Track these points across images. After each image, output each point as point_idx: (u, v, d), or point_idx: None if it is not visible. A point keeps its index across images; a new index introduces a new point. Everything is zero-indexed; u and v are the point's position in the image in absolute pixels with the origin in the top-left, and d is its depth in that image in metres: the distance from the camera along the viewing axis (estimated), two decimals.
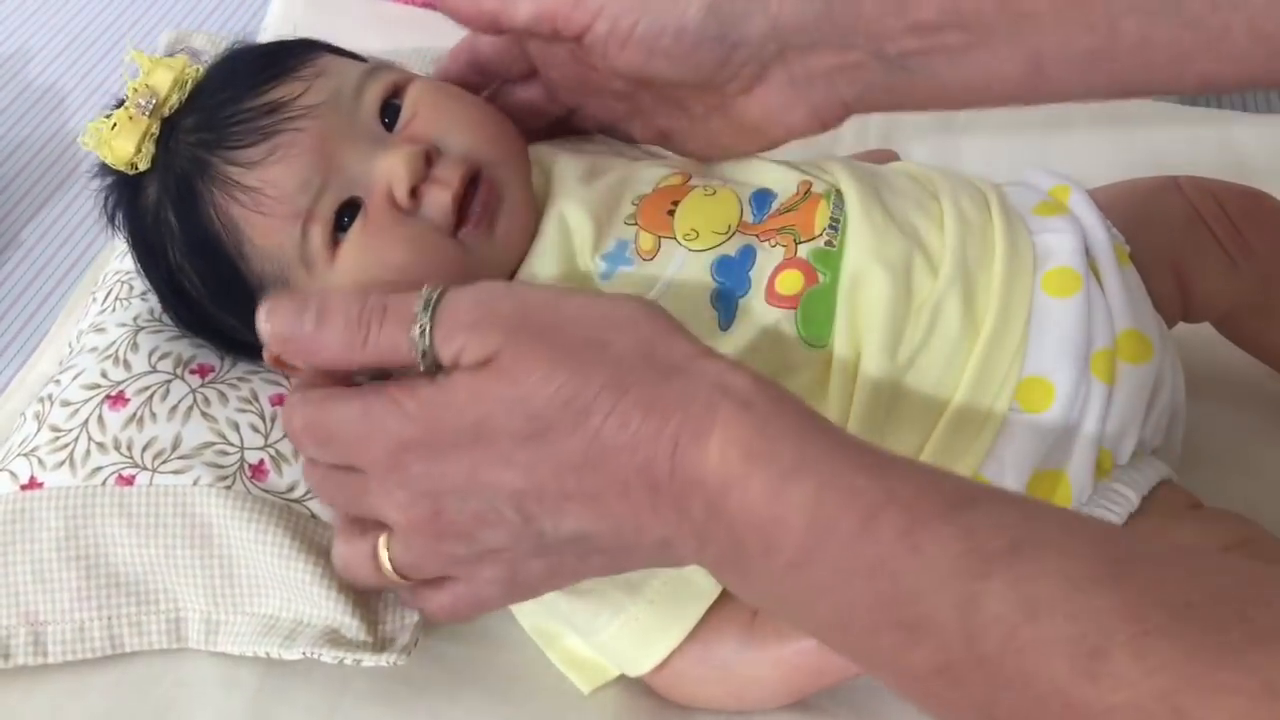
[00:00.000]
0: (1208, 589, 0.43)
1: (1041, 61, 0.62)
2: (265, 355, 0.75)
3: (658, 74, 0.66)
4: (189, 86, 0.70)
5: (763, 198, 0.71)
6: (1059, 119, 1.05)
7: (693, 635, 0.67)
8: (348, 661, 0.68)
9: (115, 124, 0.69)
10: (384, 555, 0.58)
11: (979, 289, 0.67)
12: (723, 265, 0.68)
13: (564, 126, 0.77)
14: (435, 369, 0.54)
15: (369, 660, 0.68)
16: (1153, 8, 0.59)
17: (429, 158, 0.67)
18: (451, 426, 0.53)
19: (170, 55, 0.72)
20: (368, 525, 0.59)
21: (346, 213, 0.68)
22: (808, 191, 0.71)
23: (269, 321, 0.56)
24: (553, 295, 0.56)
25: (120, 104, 0.71)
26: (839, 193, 0.70)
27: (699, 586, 0.67)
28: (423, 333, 0.53)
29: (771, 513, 0.48)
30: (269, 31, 1.13)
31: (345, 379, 0.58)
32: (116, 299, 0.81)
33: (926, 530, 0.46)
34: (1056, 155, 0.97)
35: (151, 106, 0.69)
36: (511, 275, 0.70)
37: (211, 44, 1.03)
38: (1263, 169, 0.98)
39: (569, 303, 0.55)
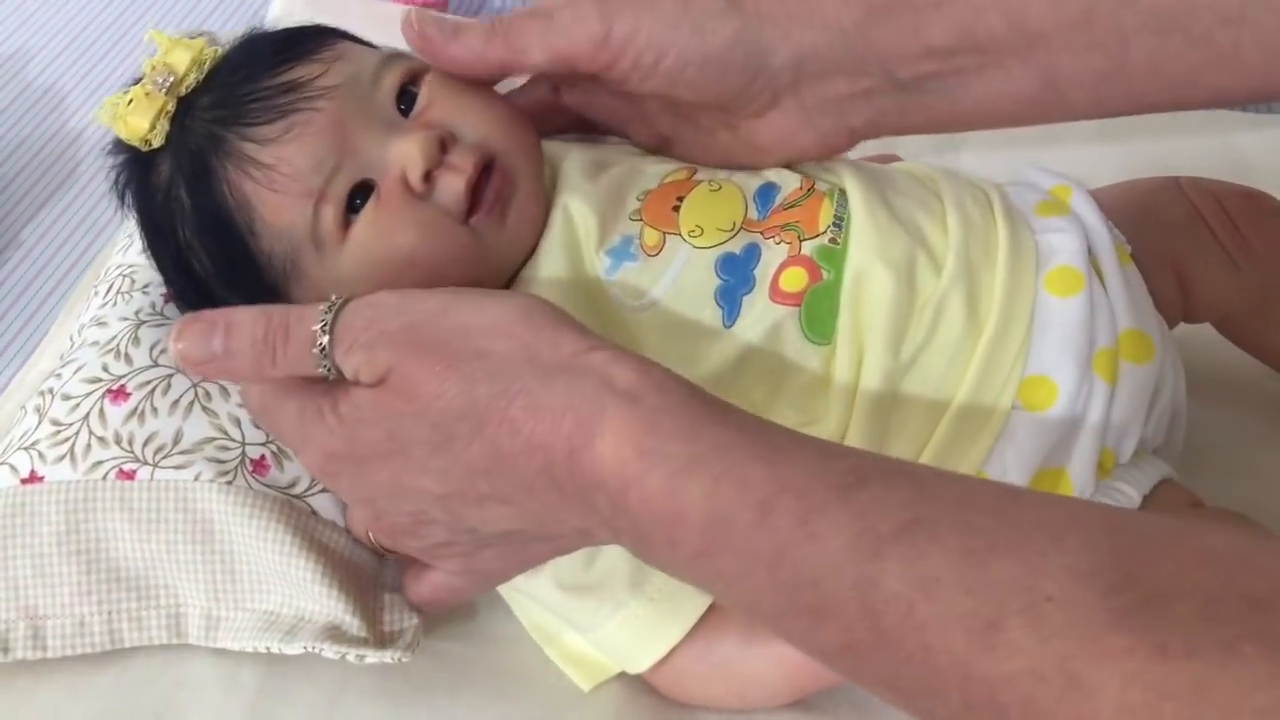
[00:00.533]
0: (1101, 551, 0.44)
1: (1054, 80, 0.63)
2: None
3: (678, 97, 0.68)
4: (207, 67, 0.70)
5: (767, 192, 0.71)
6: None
7: (693, 633, 0.67)
8: (350, 657, 0.68)
9: (131, 100, 0.69)
10: (366, 532, 0.67)
11: (982, 288, 0.67)
12: (727, 262, 0.68)
13: (566, 124, 0.77)
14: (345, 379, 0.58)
15: (371, 656, 0.68)
16: (1162, 26, 0.60)
17: (444, 144, 0.67)
18: (368, 439, 0.56)
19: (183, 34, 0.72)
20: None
21: (359, 194, 0.68)
22: (811, 188, 0.71)
23: (179, 343, 0.59)
24: (440, 304, 0.57)
25: (137, 81, 0.71)
26: (842, 191, 0.71)
27: None
28: (323, 352, 0.57)
29: (670, 508, 0.49)
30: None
31: None
32: (118, 293, 0.81)
33: (822, 517, 0.47)
34: (1057, 157, 0.96)
35: (169, 84, 0.69)
36: (519, 268, 0.70)
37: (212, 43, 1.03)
38: (1263, 170, 0.98)
39: (456, 311, 0.57)
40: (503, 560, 0.62)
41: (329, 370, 0.57)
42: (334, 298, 0.58)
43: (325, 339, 0.57)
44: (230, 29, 1.27)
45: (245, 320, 0.58)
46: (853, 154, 1.01)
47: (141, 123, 0.69)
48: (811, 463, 0.49)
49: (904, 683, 0.46)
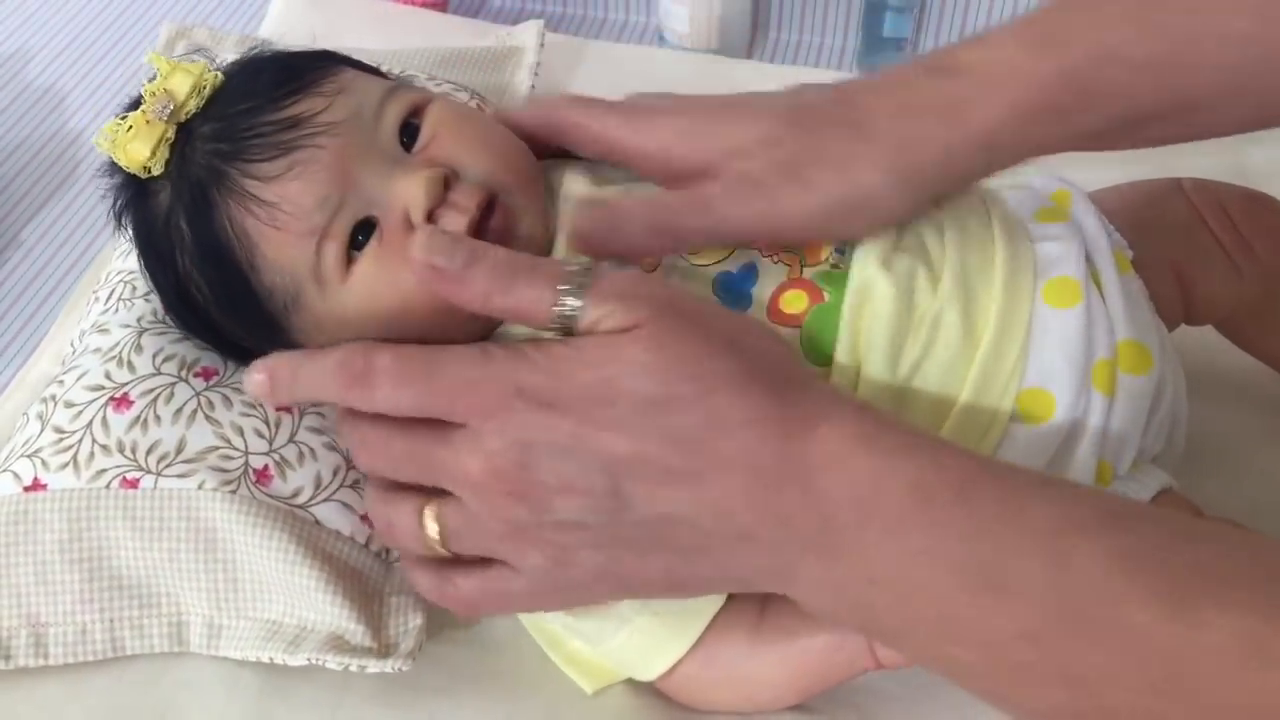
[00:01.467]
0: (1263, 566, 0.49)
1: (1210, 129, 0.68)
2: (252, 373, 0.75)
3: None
4: (207, 92, 0.70)
5: None
6: None
7: (699, 640, 0.68)
8: (352, 668, 0.68)
9: (131, 127, 0.69)
10: (430, 517, 0.59)
11: (979, 300, 0.67)
12: (725, 281, 0.68)
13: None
14: (563, 334, 0.56)
15: (373, 666, 0.68)
16: None
17: (447, 181, 0.67)
18: (577, 380, 0.54)
19: (178, 54, 0.72)
20: (408, 489, 0.60)
21: (361, 232, 0.68)
22: None
23: (428, 245, 0.59)
24: (694, 295, 0.60)
25: (135, 104, 0.70)
26: None
27: (705, 597, 0.68)
28: (578, 289, 0.56)
29: (873, 484, 0.51)
30: (268, 30, 1.13)
31: None
32: (120, 299, 0.81)
33: (1021, 497, 0.50)
34: (1056, 158, 0.96)
35: (169, 111, 0.69)
36: None
37: (213, 39, 1.03)
38: (1265, 171, 0.98)
39: (711, 305, 0.60)
40: (598, 571, 0.58)
41: (563, 316, 0.56)
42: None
43: (586, 278, 0.56)
44: (231, 28, 1.28)
45: (491, 247, 0.59)
46: None
47: (142, 150, 0.68)
48: (1008, 465, 0.55)
49: (1081, 666, 0.48)
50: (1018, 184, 0.77)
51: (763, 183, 0.63)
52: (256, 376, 0.61)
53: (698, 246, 0.66)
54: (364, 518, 0.73)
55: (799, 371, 0.57)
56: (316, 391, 0.60)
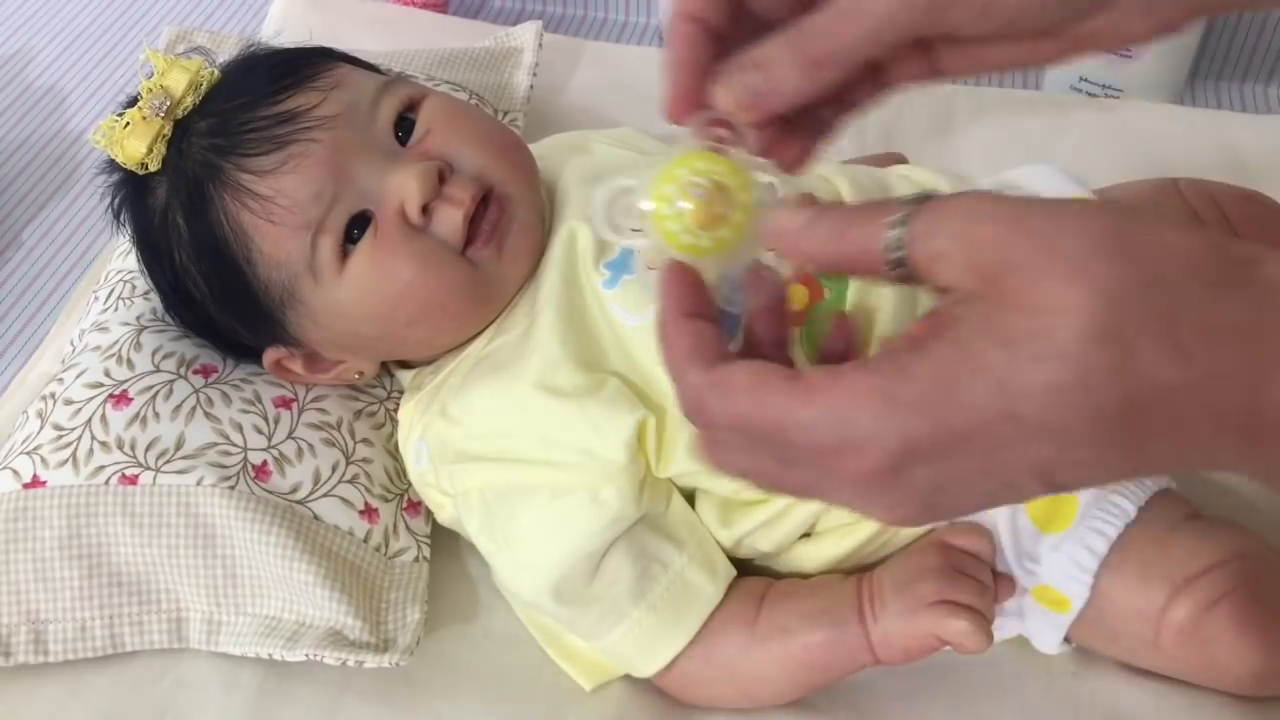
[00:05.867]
0: None
1: None
2: (265, 360, 0.75)
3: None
4: (204, 89, 0.70)
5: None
6: (1059, 119, 1.06)
7: (696, 637, 0.68)
8: (350, 663, 0.68)
9: (128, 123, 0.69)
10: None
11: None
12: (727, 275, 0.68)
13: None
14: (906, 279, 0.45)
15: (371, 661, 0.69)
16: None
17: (441, 175, 0.67)
18: (964, 402, 0.41)
19: (178, 54, 0.72)
20: None
21: (356, 225, 0.68)
22: (812, 202, 0.70)
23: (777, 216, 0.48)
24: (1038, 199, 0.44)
25: (133, 102, 0.70)
26: (842, 204, 0.70)
27: (702, 592, 0.68)
28: (905, 219, 0.44)
29: None
30: (269, 31, 1.13)
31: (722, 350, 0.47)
32: (119, 298, 0.81)
33: None
34: (1056, 155, 0.97)
35: (165, 108, 0.69)
36: (518, 290, 0.70)
37: (213, 42, 1.03)
38: (1262, 170, 0.98)
39: (1068, 202, 0.43)
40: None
41: (888, 243, 0.44)
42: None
43: (910, 209, 0.44)
44: (231, 28, 1.28)
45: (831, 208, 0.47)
46: (851, 153, 1.01)
47: (139, 147, 0.69)
48: None
49: None
50: (1020, 184, 0.78)
51: None
52: None
53: (857, 61, 0.48)
54: (363, 513, 0.73)
55: (1234, 251, 0.41)
56: None
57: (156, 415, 0.73)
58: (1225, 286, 0.40)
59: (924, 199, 0.44)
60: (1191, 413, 0.40)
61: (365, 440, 0.76)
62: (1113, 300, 0.40)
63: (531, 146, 0.76)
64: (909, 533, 0.70)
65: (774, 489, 0.47)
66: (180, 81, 0.69)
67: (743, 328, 0.50)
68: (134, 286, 0.81)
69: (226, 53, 0.76)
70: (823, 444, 0.43)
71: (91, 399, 0.74)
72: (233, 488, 0.71)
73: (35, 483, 0.72)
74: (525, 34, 1.09)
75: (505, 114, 1.00)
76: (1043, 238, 0.41)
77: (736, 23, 0.51)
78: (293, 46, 0.75)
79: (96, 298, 0.84)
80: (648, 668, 0.69)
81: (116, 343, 0.77)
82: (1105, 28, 0.50)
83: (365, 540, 0.73)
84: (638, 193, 0.53)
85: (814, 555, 0.70)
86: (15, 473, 0.72)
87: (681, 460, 0.67)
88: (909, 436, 0.41)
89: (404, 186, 0.66)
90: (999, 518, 0.68)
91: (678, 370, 0.46)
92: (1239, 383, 0.40)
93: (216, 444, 0.72)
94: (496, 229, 0.68)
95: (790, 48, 0.48)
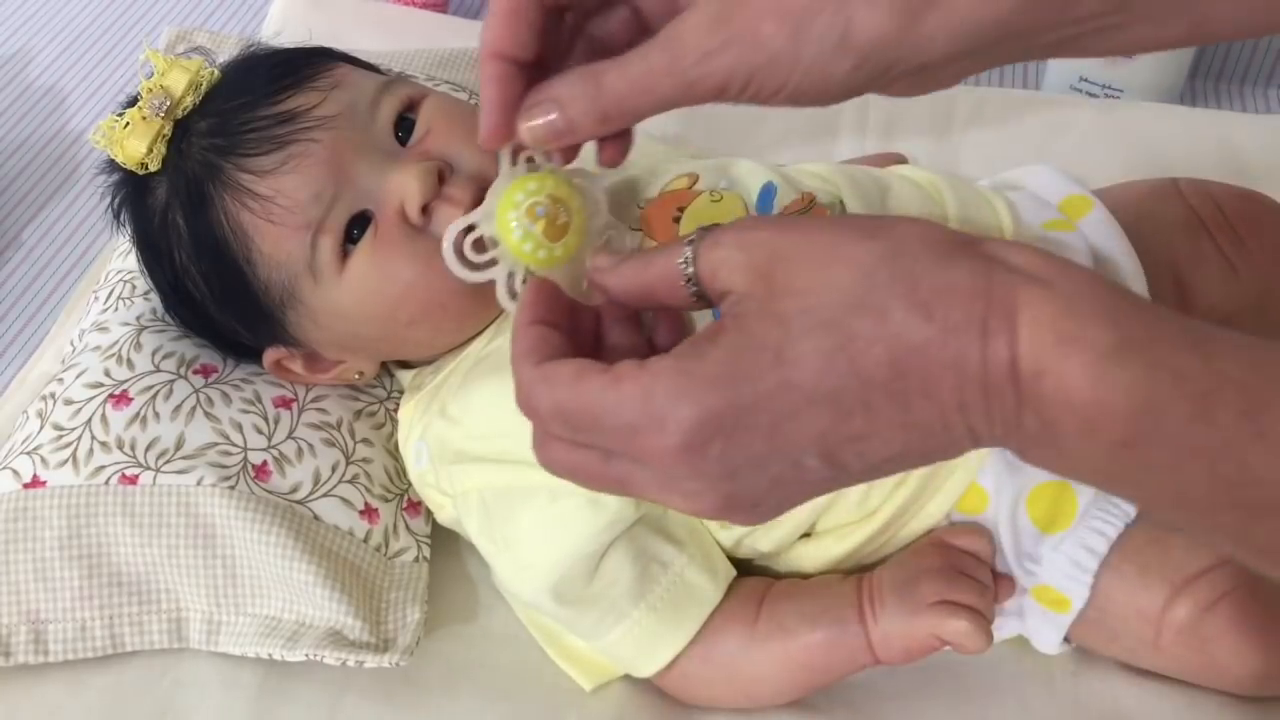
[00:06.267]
0: None
1: (1204, 23, 0.55)
2: (265, 360, 0.75)
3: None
4: (204, 89, 0.70)
5: (766, 196, 0.71)
6: (1059, 119, 1.06)
7: (696, 637, 0.68)
8: (350, 663, 0.69)
9: (128, 123, 0.69)
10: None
11: None
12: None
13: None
14: (700, 299, 0.50)
15: (371, 661, 0.69)
16: None
17: (441, 175, 0.67)
18: (752, 368, 0.46)
19: (178, 54, 0.72)
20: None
21: (356, 225, 0.68)
22: (812, 201, 0.71)
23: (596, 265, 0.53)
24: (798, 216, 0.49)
25: (133, 102, 0.71)
26: (841, 204, 0.70)
27: (702, 592, 0.68)
28: (690, 248, 0.50)
29: (1093, 396, 0.44)
30: (269, 31, 1.13)
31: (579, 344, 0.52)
32: (119, 298, 0.81)
33: (1268, 413, 0.44)
34: (1056, 155, 0.97)
35: (165, 108, 0.69)
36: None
37: (214, 42, 1.03)
38: (1262, 170, 0.98)
39: (822, 219, 0.48)
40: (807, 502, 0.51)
41: (686, 270, 0.49)
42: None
43: (690, 250, 0.49)
44: (231, 28, 1.28)
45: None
46: (851, 152, 1.01)
47: (139, 147, 0.69)
48: (1247, 355, 0.45)
49: None
50: (1023, 185, 0.78)
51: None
52: None
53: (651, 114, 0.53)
54: (363, 513, 0.73)
55: (955, 236, 0.48)
56: None
57: (156, 415, 0.73)
58: (955, 257, 0.46)
59: (710, 227, 0.50)
60: (938, 369, 0.45)
61: (365, 440, 0.76)
62: (865, 273, 0.46)
63: None
64: (909, 533, 0.70)
65: (598, 484, 0.51)
66: (180, 81, 0.69)
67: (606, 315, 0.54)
68: (134, 286, 0.81)
69: (226, 53, 0.76)
70: (629, 424, 0.47)
71: (91, 399, 0.74)
72: (233, 488, 0.71)
73: (35, 483, 0.72)
74: None
75: None
76: (803, 232, 0.48)
77: (554, 46, 0.55)
78: (293, 46, 0.75)
79: (96, 298, 0.84)
80: (647, 668, 0.69)
81: (116, 343, 0.77)
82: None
83: (365, 540, 0.73)
84: (483, 227, 0.58)
85: (814, 555, 0.71)
86: (15, 473, 0.72)
87: None
88: (703, 409, 0.46)
89: (404, 186, 0.66)
90: (1000, 518, 0.68)
91: (515, 366, 0.50)
92: (971, 335, 0.45)
93: (216, 444, 0.73)
94: None
95: (586, 95, 0.51)
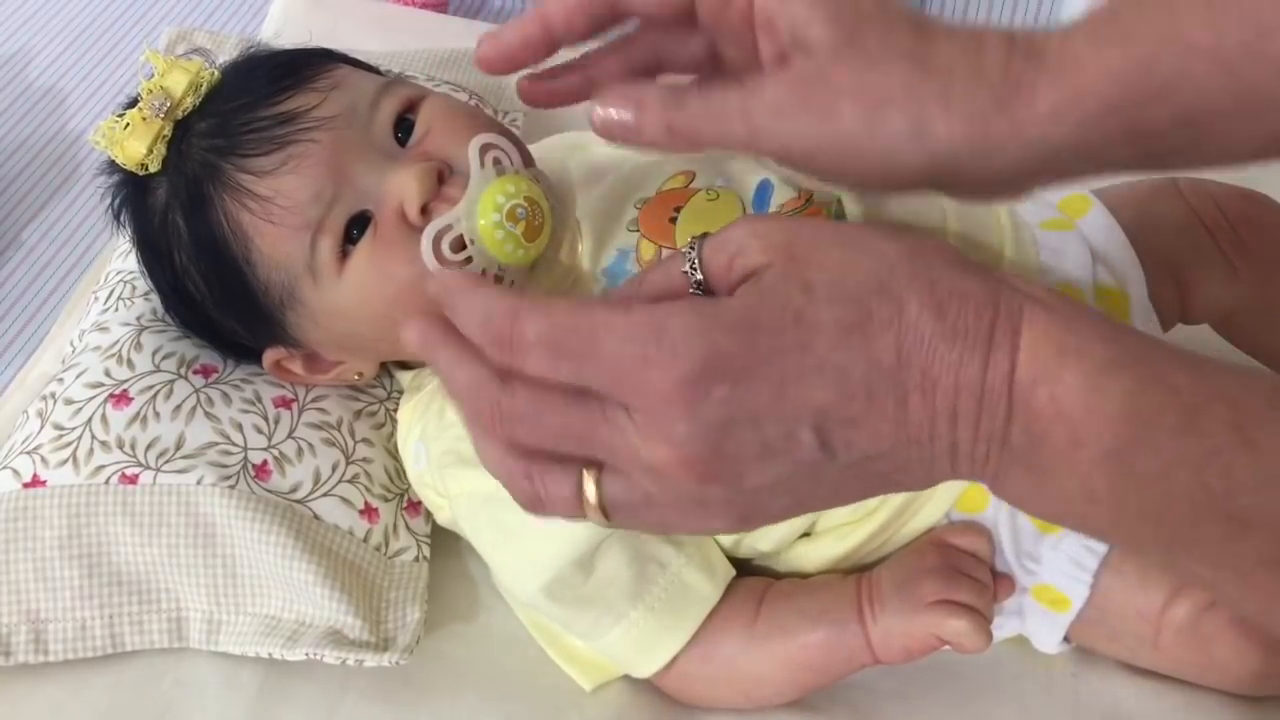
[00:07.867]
0: None
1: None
2: (265, 361, 0.76)
3: None
4: (204, 90, 0.70)
5: (763, 193, 0.71)
6: None
7: (695, 637, 0.68)
8: (350, 662, 0.69)
9: (128, 124, 0.69)
10: (591, 492, 0.49)
11: None
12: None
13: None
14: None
15: (371, 660, 0.69)
16: None
17: (440, 175, 0.67)
18: (771, 323, 0.46)
19: (178, 55, 0.72)
20: (559, 457, 0.50)
21: (356, 226, 0.68)
22: (810, 199, 0.71)
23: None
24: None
25: (133, 103, 0.71)
26: (839, 202, 0.71)
27: (700, 592, 0.68)
28: (693, 247, 0.50)
29: (1085, 405, 0.46)
30: (269, 31, 1.13)
31: None
32: (119, 298, 0.81)
33: (1259, 427, 0.45)
34: None
35: (165, 109, 0.69)
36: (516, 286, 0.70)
37: (214, 42, 1.03)
38: (1262, 170, 0.97)
39: (823, 222, 0.50)
40: (780, 511, 0.51)
41: (693, 276, 0.50)
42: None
43: (695, 252, 0.50)
44: (231, 28, 1.28)
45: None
46: None
47: (139, 147, 0.69)
48: (1237, 376, 0.47)
49: None
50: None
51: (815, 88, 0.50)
52: (411, 335, 0.53)
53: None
54: (363, 512, 0.74)
55: (961, 257, 0.50)
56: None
57: (157, 415, 0.73)
58: (970, 270, 0.49)
59: (703, 235, 0.50)
60: (940, 368, 0.47)
61: (365, 440, 0.76)
62: (888, 264, 0.48)
63: (531, 146, 0.76)
64: (908, 532, 0.70)
65: (556, 435, 0.48)
66: (180, 82, 0.69)
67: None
68: (134, 287, 0.81)
69: (226, 53, 0.76)
70: (632, 353, 0.46)
71: (92, 399, 0.74)
72: (233, 487, 0.71)
73: (35, 482, 0.72)
74: None
75: (505, 114, 1.00)
76: (815, 227, 0.49)
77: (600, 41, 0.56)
78: (292, 47, 0.75)
79: (96, 298, 0.84)
80: (647, 668, 0.69)
81: (117, 343, 0.77)
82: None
83: (365, 540, 0.73)
84: (461, 228, 0.64)
85: (813, 555, 0.71)
86: (15, 472, 0.72)
87: None
88: (717, 347, 0.46)
89: (403, 187, 0.67)
90: (999, 517, 0.68)
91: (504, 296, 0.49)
92: (977, 341, 0.47)
93: (217, 443, 0.73)
94: None
95: (666, 107, 0.51)
